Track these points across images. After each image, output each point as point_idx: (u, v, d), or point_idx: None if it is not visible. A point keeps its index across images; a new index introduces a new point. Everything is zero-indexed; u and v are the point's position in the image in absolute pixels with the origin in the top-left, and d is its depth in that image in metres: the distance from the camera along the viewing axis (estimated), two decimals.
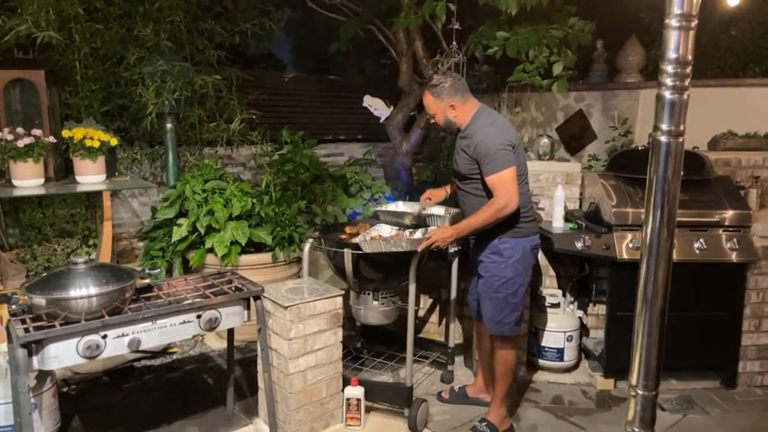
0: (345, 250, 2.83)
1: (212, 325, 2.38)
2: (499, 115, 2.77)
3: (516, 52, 3.79)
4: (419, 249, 2.66)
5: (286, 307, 2.56)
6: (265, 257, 3.71)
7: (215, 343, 3.73)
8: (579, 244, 3.13)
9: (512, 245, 2.64)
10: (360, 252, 2.77)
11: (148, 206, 4.54)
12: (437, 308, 3.87)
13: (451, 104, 2.66)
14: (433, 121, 2.77)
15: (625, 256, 3.06)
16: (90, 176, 3.49)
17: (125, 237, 4.38)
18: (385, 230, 3.03)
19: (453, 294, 3.34)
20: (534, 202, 3.36)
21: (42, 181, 3.39)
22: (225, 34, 4.54)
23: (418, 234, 2.82)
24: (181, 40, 4.23)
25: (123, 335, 2.15)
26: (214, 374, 3.37)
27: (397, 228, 3.05)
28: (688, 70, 1.24)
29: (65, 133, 3.42)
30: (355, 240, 2.86)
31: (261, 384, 2.76)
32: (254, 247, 3.72)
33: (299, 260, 3.74)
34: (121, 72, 4.10)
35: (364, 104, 4.78)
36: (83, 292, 2.07)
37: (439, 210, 3.11)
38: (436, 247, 2.69)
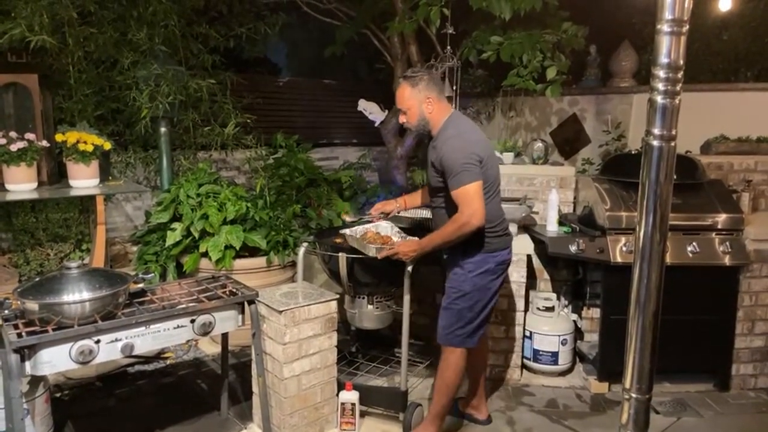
0: (339, 254, 2.83)
1: (206, 330, 2.37)
2: (469, 124, 2.62)
3: (510, 56, 3.81)
4: (380, 257, 2.64)
5: (280, 312, 2.55)
6: (260, 261, 3.70)
7: (209, 348, 3.71)
8: (573, 248, 3.14)
9: (475, 260, 2.54)
10: (354, 256, 2.76)
11: (141, 210, 4.52)
12: (432, 312, 3.86)
13: (428, 96, 2.52)
14: (404, 120, 2.61)
15: (619, 259, 3.07)
16: (83, 180, 3.48)
17: (119, 241, 4.37)
18: (384, 229, 3.00)
19: None
20: (528, 206, 3.37)
21: (35, 185, 3.37)
22: (219, 38, 4.54)
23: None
24: (176, 44, 4.22)
25: (116, 340, 2.14)
26: (208, 379, 3.36)
27: (398, 231, 3.03)
28: (680, 74, 1.25)
29: (59, 137, 3.40)
30: (345, 231, 2.86)
31: (255, 389, 2.75)
32: (249, 251, 3.71)
33: (294, 264, 3.73)
34: (115, 76, 4.09)
35: (359, 108, 4.80)
36: (76, 296, 2.06)
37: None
38: (397, 260, 2.63)
